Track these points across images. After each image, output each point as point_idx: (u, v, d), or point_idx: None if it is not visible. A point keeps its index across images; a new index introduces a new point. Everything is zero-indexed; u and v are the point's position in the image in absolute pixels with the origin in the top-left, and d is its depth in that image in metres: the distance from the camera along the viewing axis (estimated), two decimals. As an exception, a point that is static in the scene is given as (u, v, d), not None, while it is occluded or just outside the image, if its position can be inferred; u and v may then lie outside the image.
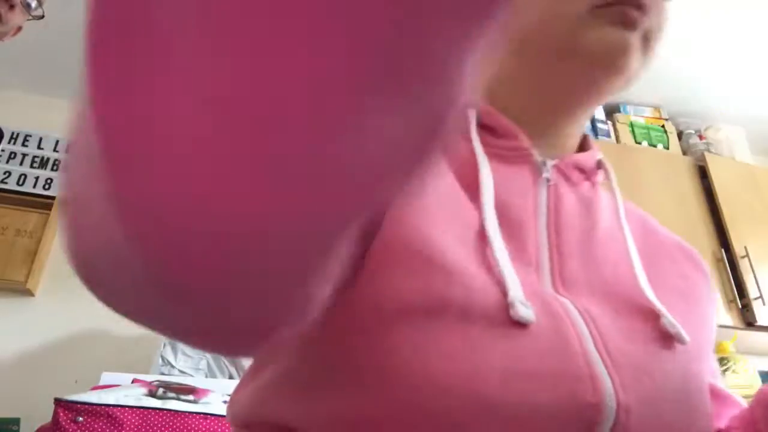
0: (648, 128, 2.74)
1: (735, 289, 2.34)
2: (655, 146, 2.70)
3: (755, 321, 2.29)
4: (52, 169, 2.11)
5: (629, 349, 0.38)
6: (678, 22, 2.45)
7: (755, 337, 2.36)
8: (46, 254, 2.03)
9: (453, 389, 0.32)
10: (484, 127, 0.47)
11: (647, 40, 0.46)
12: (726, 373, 1.83)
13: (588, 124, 2.59)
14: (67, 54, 2.11)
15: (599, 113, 2.65)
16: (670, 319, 0.40)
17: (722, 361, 1.85)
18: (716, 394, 0.47)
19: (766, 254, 2.43)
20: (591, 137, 0.55)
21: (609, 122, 2.68)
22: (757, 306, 2.31)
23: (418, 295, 0.34)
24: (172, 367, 1.67)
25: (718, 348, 1.90)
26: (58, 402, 1.53)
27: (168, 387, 1.45)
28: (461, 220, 0.39)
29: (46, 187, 2.08)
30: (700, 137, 2.82)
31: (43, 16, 1.53)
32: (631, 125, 2.72)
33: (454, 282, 0.35)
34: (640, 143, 2.68)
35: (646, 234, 0.51)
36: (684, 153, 2.76)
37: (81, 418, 1.53)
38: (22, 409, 1.69)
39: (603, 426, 0.33)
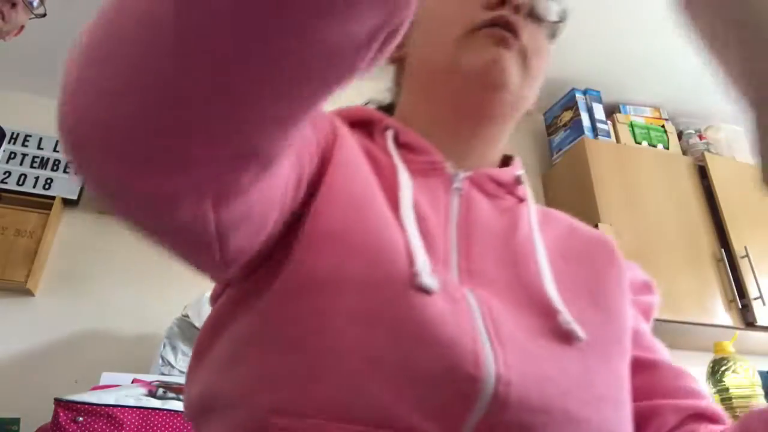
0: (648, 128, 2.74)
1: (735, 289, 2.34)
2: (655, 146, 2.70)
3: (755, 321, 2.29)
4: (52, 169, 2.11)
5: (520, 336, 0.41)
6: (678, 23, 2.45)
7: (755, 337, 2.36)
8: (46, 254, 2.03)
9: (352, 348, 0.36)
10: (402, 145, 0.52)
11: (526, 59, 0.53)
12: (726, 373, 1.83)
13: (588, 124, 2.59)
14: (67, 54, 2.11)
15: (599, 113, 2.65)
16: (566, 317, 0.43)
17: (722, 361, 1.85)
18: (658, 367, 0.52)
19: (766, 254, 2.43)
20: (518, 159, 0.61)
21: (609, 122, 2.68)
22: (757, 306, 2.31)
23: (344, 270, 0.39)
24: (172, 367, 1.67)
25: (718, 348, 1.90)
26: (58, 402, 1.53)
27: (168, 387, 1.45)
28: (383, 212, 0.44)
29: (46, 187, 2.08)
30: (700, 137, 2.81)
31: (45, 15, 1.53)
32: (631, 125, 2.72)
33: (380, 259, 0.40)
34: (640, 143, 2.68)
35: (571, 237, 0.55)
36: (684, 153, 2.75)
37: (81, 418, 1.53)
38: (22, 409, 1.69)
39: (481, 397, 0.36)
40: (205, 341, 0.44)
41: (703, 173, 2.62)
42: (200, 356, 0.44)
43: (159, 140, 0.28)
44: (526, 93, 0.55)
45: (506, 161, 0.61)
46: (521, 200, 0.55)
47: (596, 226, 2.22)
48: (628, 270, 0.56)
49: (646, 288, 0.58)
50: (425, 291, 0.39)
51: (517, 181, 0.56)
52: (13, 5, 1.46)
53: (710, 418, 0.49)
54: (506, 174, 0.56)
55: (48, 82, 2.20)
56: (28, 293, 1.96)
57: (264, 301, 0.40)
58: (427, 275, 0.40)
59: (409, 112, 0.57)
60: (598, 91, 2.70)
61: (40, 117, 2.21)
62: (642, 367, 0.51)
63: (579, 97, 2.66)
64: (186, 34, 0.25)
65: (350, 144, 0.48)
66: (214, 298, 0.47)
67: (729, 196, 2.54)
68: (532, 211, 0.53)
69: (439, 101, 0.55)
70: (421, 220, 0.46)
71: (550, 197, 2.64)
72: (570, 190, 2.52)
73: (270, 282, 0.40)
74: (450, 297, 0.40)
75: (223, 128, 0.28)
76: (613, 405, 0.43)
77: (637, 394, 0.49)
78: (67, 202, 2.09)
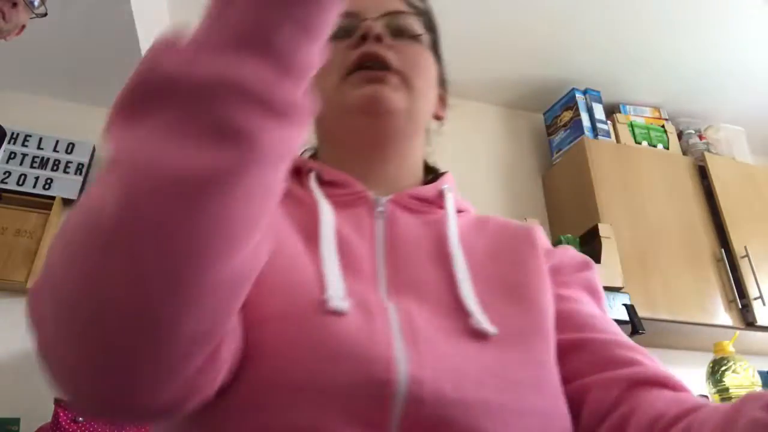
0: (648, 128, 2.74)
1: (735, 289, 2.34)
2: (655, 146, 2.70)
3: (755, 321, 2.29)
4: (52, 169, 2.11)
5: (437, 338, 0.45)
6: (678, 23, 2.46)
7: (755, 337, 2.36)
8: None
9: (279, 379, 0.41)
10: (327, 183, 0.59)
11: (406, 79, 0.58)
12: (726, 373, 1.83)
13: (588, 124, 2.59)
14: (68, 54, 2.12)
15: (599, 113, 2.65)
16: (477, 318, 0.47)
17: (722, 361, 1.85)
18: (587, 343, 0.52)
19: (766, 254, 2.43)
20: (448, 175, 0.66)
21: (609, 122, 2.68)
22: (757, 306, 2.31)
23: (270, 309, 0.44)
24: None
25: (718, 348, 1.90)
26: (58, 402, 1.53)
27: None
28: (297, 251, 0.50)
29: (46, 187, 2.08)
30: (700, 137, 2.82)
31: (46, 14, 1.53)
32: (631, 125, 2.72)
33: (295, 293, 0.45)
34: (640, 143, 2.68)
35: (500, 238, 0.59)
36: (684, 153, 2.75)
37: (81, 418, 1.53)
38: (22, 409, 1.69)
39: (396, 396, 0.40)
40: None
41: (703, 173, 2.63)
42: None
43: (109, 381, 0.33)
44: (419, 106, 0.60)
45: (438, 175, 0.66)
46: (456, 210, 0.60)
47: (596, 226, 2.22)
48: (559, 253, 0.59)
49: (583, 266, 0.61)
50: (337, 314, 0.43)
51: (441, 195, 0.61)
52: (14, 5, 1.45)
53: (662, 383, 0.48)
54: (428, 191, 0.61)
55: (48, 82, 2.21)
56: (28, 293, 1.96)
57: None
58: (337, 300, 0.44)
59: (325, 153, 0.64)
60: (598, 91, 2.70)
61: (40, 117, 2.21)
62: (572, 348, 0.52)
63: (579, 97, 2.66)
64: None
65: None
66: None
67: (729, 196, 2.54)
68: (452, 221, 0.57)
69: (342, 139, 0.62)
70: (345, 246, 0.51)
71: (550, 197, 2.64)
72: (570, 190, 2.52)
73: None
74: (367, 313, 0.45)
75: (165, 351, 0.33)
76: (533, 387, 0.45)
77: (570, 377, 0.50)
78: (67, 202, 2.09)
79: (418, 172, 0.65)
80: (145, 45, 1.94)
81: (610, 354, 0.51)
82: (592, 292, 0.59)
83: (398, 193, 0.59)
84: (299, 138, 0.34)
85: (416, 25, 0.62)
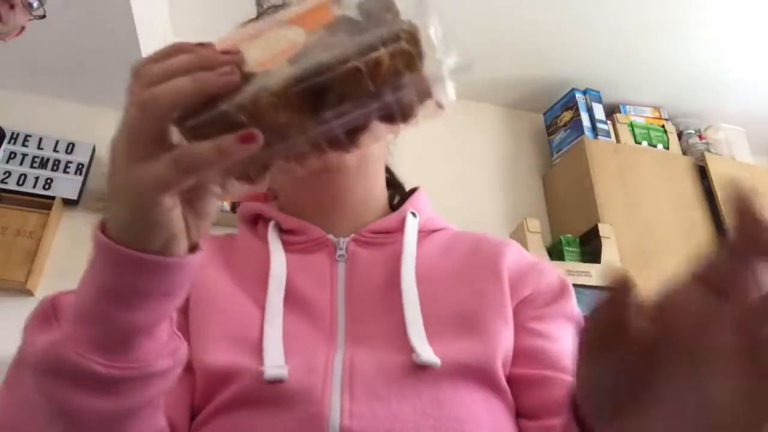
0: (648, 128, 2.74)
1: (735, 289, 2.34)
2: (655, 146, 2.70)
3: (755, 321, 2.29)
4: (52, 169, 2.10)
5: (378, 382, 0.47)
6: (678, 23, 2.45)
7: (755, 337, 2.36)
8: (46, 254, 2.03)
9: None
10: (286, 231, 0.60)
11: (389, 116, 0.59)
12: (726, 373, 1.83)
13: (588, 124, 2.59)
14: (68, 54, 2.12)
15: (599, 113, 2.65)
16: (418, 351, 0.48)
17: (722, 361, 1.85)
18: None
19: (766, 254, 2.43)
20: (417, 196, 0.66)
21: (609, 122, 2.68)
22: (757, 306, 2.31)
23: (206, 397, 0.49)
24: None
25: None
26: (58, 402, 1.53)
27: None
28: (243, 313, 0.53)
29: (46, 187, 2.08)
30: (700, 137, 2.81)
31: (44, 16, 1.52)
32: (631, 125, 2.72)
33: (236, 362, 0.49)
34: (640, 143, 2.68)
35: (469, 258, 0.59)
36: (684, 153, 2.75)
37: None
38: (22, 409, 1.69)
39: None
40: None
41: (703, 173, 2.62)
42: None
43: None
44: (371, 151, 0.62)
45: (406, 193, 0.68)
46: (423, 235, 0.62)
47: (596, 226, 2.22)
48: (534, 280, 0.58)
49: (560, 294, 0.60)
50: (276, 381, 0.46)
51: (404, 222, 0.62)
52: (12, 6, 1.45)
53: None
54: (390, 222, 0.62)
55: (48, 82, 2.21)
56: (28, 293, 1.96)
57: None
58: (274, 368, 0.47)
59: (285, 200, 0.66)
60: (598, 91, 2.70)
61: (40, 117, 2.21)
62: (537, 383, 0.52)
63: (579, 97, 2.66)
64: None
65: (204, 272, 0.56)
66: None
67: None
68: (407, 254, 0.57)
69: (299, 190, 0.63)
70: (300, 299, 0.54)
71: (550, 197, 2.64)
72: (570, 190, 2.51)
73: None
74: (307, 372, 0.48)
75: None
76: (473, 424, 0.46)
77: (532, 413, 0.51)
78: (67, 202, 2.09)
79: (382, 200, 0.66)
80: (145, 45, 1.94)
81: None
82: (569, 320, 0.58)
83: (359, 230, 0.60)
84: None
85: None
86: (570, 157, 2.57)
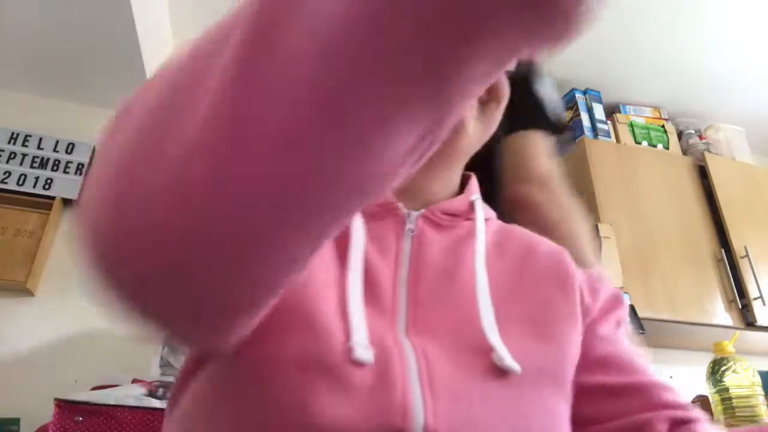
0: (648, 128, 2.74)
1: (735, 289, 2.34)
2: (655, 146, 2.70)
3: (755, 321, 2.29)
4: (52, 169, 2.11)
5: (456, 379, 0.43)
6: (678, 23, 2.45)
7: (755, 337, 2.36)
8: (46, 254, 2.03)
9: (294, 420, 0.40)
10: None
11: (483, 104, 0.57)
12: (726, 373, 1.83)
13: (588, 124, 2.59)
14: (68, 54, 2.12)
15: (599, 113, 2.65)
16: (500, 353, 0.45)
17: (722, 361, 1.85)
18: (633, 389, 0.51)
19: (766, 254, 2.43)
20: (473, 182, 0.61)
21: (609, 122, 2.68)
22: (757, 306, 2.31)
23: (291, 352, 0.42)
24: (172, 367, 1.67)
25: (718, 348, 1.90)
26: (58, 402, 1.53)
27: (168, 387, 1.45)
28: (332, 277, 0.47)
29: (46, 187, 2.08)
30: (700, 137, 2.82)
31: None
32: (631, 125, 2.73)
33: (319, 338, 0.42)
34: (640, 143, 2.68)
35: (526, 261, 0.56)
36: (684, 153, 2.76)
37: (81, 418, 1.53)
38: (22, 409, 1.69)
39: None
40: (173, 396, 0.48)
41: (703, 173, 2.63)
42: (170, 410, 0.48)
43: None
44: (488, 134, 0.59)
45: (464, 183, 0.63)
46: (486, 221, 0.58)
47: (596, 226, 2.22)
48: (597, 286, 0.56)
49: (615, 302, 0.58)
50: (360, 363, 0.42)
51: (471, 207, 0.58)
52: None
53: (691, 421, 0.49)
54: (459, 204, 0.58)
55: (48, 82, 2.21)
56: (28, 293, 1.96)
57: (219, 372, 0.43)
58: (361, 349, 0.42)
59: None
60: (598, 91, 2.70)
61: (40, 117, 2.21)
62: (622, 391, 0.51)
63: (579, 97, 2.66)
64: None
65: None
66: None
67: (729, 196, 2.55)
68: (480, 241, 0.54)
69: None
70: (369, 273, 0.48)
71: (550, 197, 2.64)
72: (570, 190, 2.51)
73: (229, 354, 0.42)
74: (385, 356, 0.43)
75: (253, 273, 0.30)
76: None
77: (612, 416, 0.50)
78: (67, 202, 2.09)
79: (456, 182, 0.61)
80: (145, 45, 1.94)
81: (663, 397, 0.50)
82: (623, 325, 0.58)
83: (431, 207, 0.55)
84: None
85: None
86: (570, 157, 2.57)
